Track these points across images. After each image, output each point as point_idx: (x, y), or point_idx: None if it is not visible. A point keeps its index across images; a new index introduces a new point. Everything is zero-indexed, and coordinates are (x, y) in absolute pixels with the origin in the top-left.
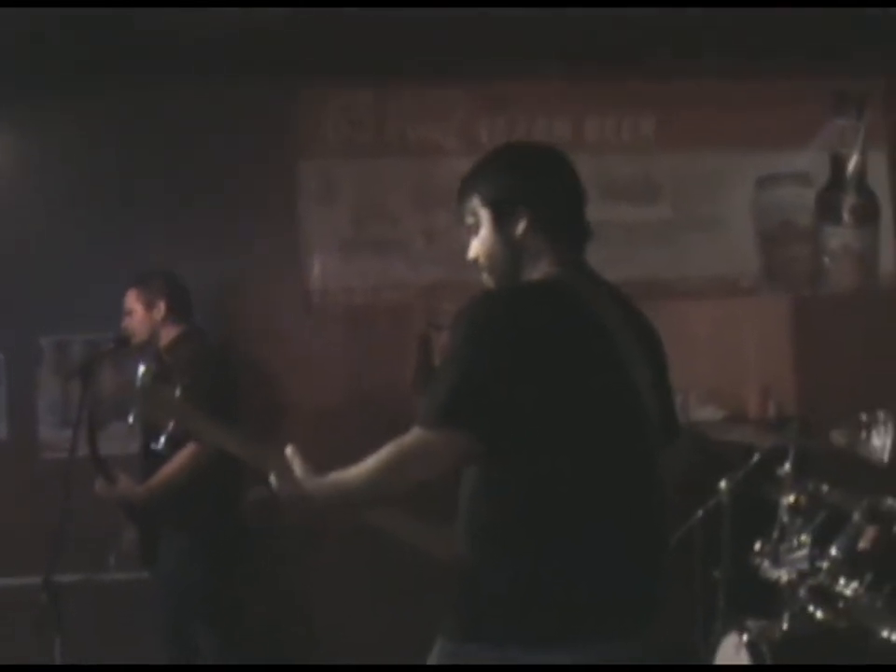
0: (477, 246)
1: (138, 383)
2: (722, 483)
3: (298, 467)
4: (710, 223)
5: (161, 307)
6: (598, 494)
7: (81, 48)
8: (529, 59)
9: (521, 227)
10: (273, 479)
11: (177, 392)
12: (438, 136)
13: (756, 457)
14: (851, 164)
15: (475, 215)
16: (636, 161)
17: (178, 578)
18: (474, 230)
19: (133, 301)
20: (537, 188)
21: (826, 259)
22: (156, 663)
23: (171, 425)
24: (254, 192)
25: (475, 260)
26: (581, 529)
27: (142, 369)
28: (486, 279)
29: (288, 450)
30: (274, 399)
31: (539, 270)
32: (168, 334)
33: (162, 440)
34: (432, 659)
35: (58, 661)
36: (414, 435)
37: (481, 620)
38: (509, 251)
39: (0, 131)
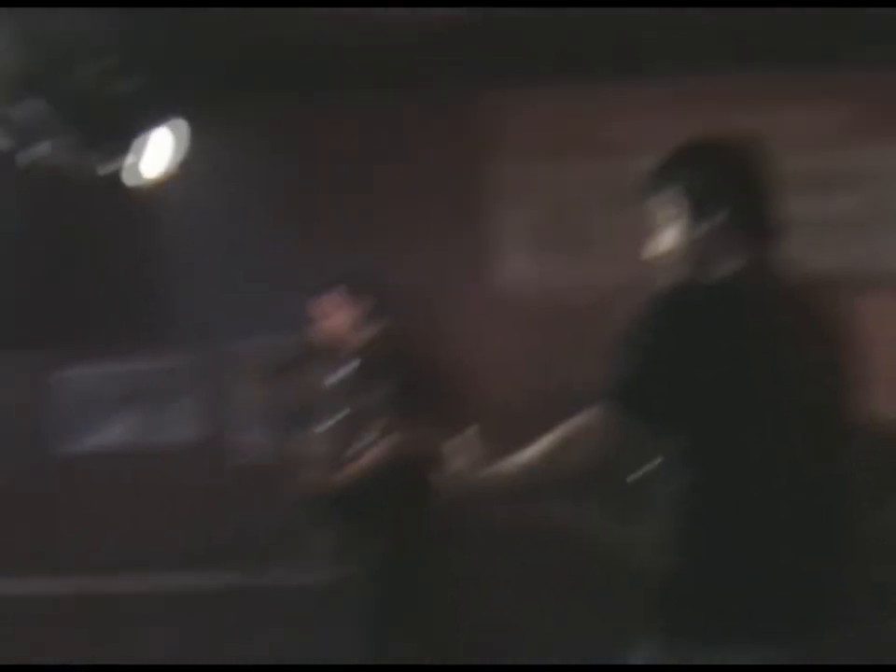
0: (666, 240)
1: (340, 387)
2: None
3: (476, 452)
4: None
5: (361, 307)
6: (790, 490)
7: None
8: (720, 54)
9: (716, 220)
10: (458, 467)
11: (379, 397)
12: (628, 135)
13: None
14: None
15: (666, 208)
16: (831, 154)
17: (374, 576)
18: (663, 223)
19: (332, 302)
20: (732, 181)
21: None
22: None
23: (374, 429)
24: (446, 192)
25: (662, 254)
26: (782, 524)
27: (344, 373)
28: (671, 273)
29: (471, 435)
30: (466, 397)
31: (727, 263)
32: (367, 333)
33: (366, 441)
34: (637, 658)
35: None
36: (593, 412)
37: (692, 617)
38: (701, 245)
39: (201, 135)
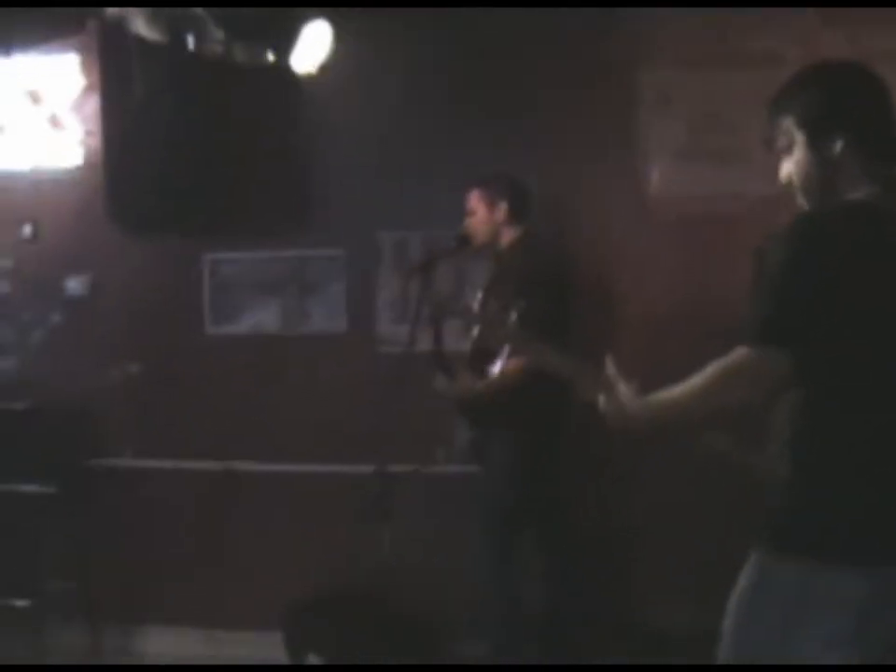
0: (790, 168)
1: (477, 304)
2: None
3: (622, 388)
4: None
5: (503, 208)
6: None
7: None
8: None
9: (837, 147)
10: (600, 401)
11: (514, 317)
12: (778, 47)
13: None
14: None
15: (788, 135)
16: None
17: (505, 475)
18: (786, 150)
19: (475, 202)
20: (852, 107)
21: None
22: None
23: (506, 350)
24: (594, 102)
25: (788, 182)
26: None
27: (483, 292)
28: (801, 200)
29: (610, 370)
30: (607, 307)
31: (853, 190)
32: (508, 235)
33: (499, 363)
34: (745, 572)
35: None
36: (739, 354)
37: (790, 533)
38: (824, 172)
39: (352, 40)
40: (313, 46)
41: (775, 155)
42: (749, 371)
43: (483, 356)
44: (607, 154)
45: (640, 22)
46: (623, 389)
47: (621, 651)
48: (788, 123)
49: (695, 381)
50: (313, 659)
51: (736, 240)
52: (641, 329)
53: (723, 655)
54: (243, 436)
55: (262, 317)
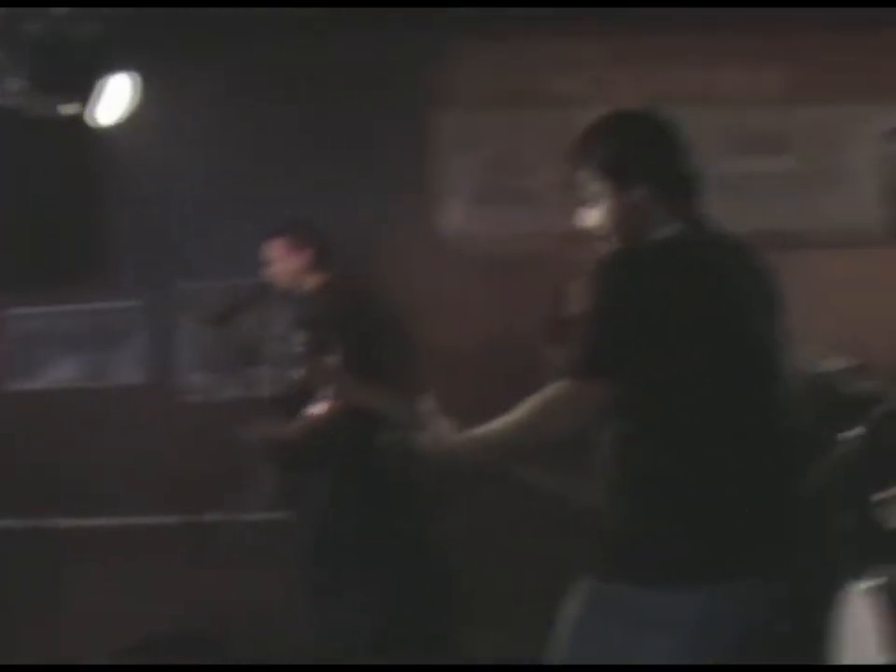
0: (597, 215)
1: (297, 348)
2: (849, 433)
3: (441, 424)
4: (837, 175)
5: (307, 255)
6: (732, 437)
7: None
8: (662, 12)
9: (640, 193)
10: (417, 437)
11: (335, 360)
12: (571, 88)
13: (883, 407)
14: None
15: (592, 185)
16: (765, 113)
17: (318, 518)
18: (591, 199)
19: (278, 249)
20: (650, 154)
21: None
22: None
23: (324, 393)
24: (391, 144)
25: (591, 230)
26: (721, 469)
27: (301, 336)
28: (606, 245)
29: (428, 407)
30: (411, 345)
31: (661, 230)
32: (313, 282)
33: (320, 405)
34: (575, 598)
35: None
36: (562, 385)
37: (620, 558)
38: (631, 216)
39: (144, 81)
40: (114, 97)
41: (579, 203)
42: (570, 402)
43: (296, 400)
44: (405, 196)
45: (436, 62)
46: (443, 425)
47: None
48: (591, 174)
49: (517, 414)
50: None
51: (534, 277)
52: (444, 365)
53: None
54: (46, 491)
55: (61, 372)
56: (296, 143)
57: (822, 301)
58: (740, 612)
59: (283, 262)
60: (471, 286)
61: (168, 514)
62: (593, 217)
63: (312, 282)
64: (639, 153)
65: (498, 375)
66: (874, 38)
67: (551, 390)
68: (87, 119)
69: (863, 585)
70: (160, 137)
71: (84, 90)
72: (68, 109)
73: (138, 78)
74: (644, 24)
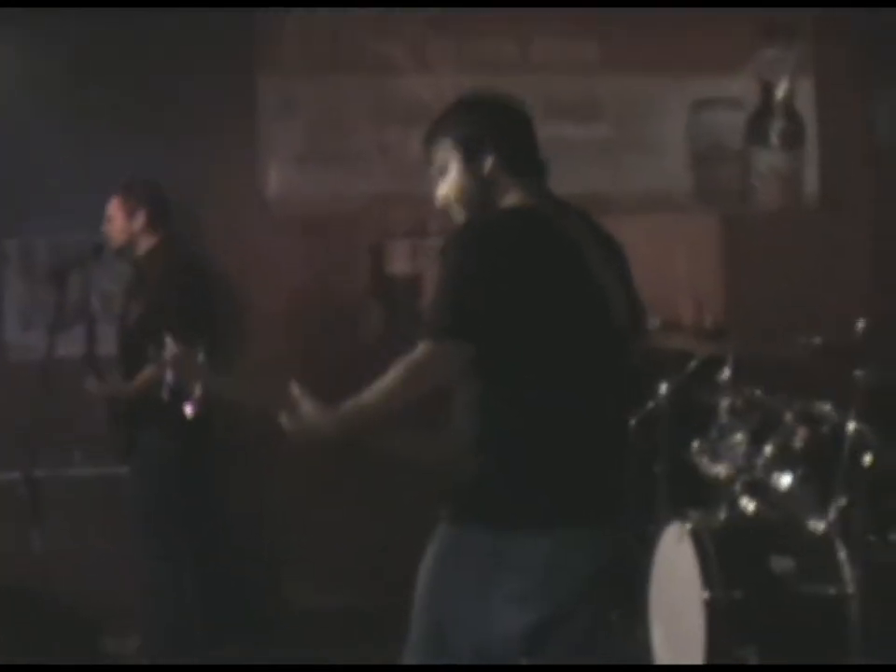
0: (448, 185)
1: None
2: (662, 387)
3: (307, 405)
4: (647, 143)
5: (142, 216)
6: (576, 394)
7: None
8: None
9: (488, 164)
10: (283, 419)
11: (201, 356)
12: (391, 55)
13: (694, 363)
14: (780, 91)
15: (445, 157)
16: (578, 82)
17: (154, 473)
18: (442, 170)
19: (114, 209)
20: (499, 129)
21: (754, 180)
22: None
23: (198, 388)
24: (217, 107)
25: (444, 198)
26: (565, 424)
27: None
28: (458, 214)
29: (295, 390)
30: (237, 305)
31: (507, 199)
32: (146, 243)
33: (190, 405)
34: (432, 542)
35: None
36: (423, 350)
37: (477, 505)
38: (479, 186)
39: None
40: None
41: (434, 175)
42: (432, 364)
43: (133, 355)
44: (230, 158)
45: (262, 27)
46: (309, 405)
47: (274, 633)
48: (445, 146)
49: (384, 382)
50: None
51: (354, 238)
52: (268, 324)
53: (417, 620)
54: None
55: None
56: (131, 105)
57: (633, 263)
58: (586, 555)
59: (118, 221)
60: (294, 246)
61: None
62: (444, 188)
63: (146, 242)
64: (490, 127)
65: (318, 332)
66: (686, 14)
67: (414, 354)
68: None
69: (676, 528)
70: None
71: None
72: None
73: None
74: None
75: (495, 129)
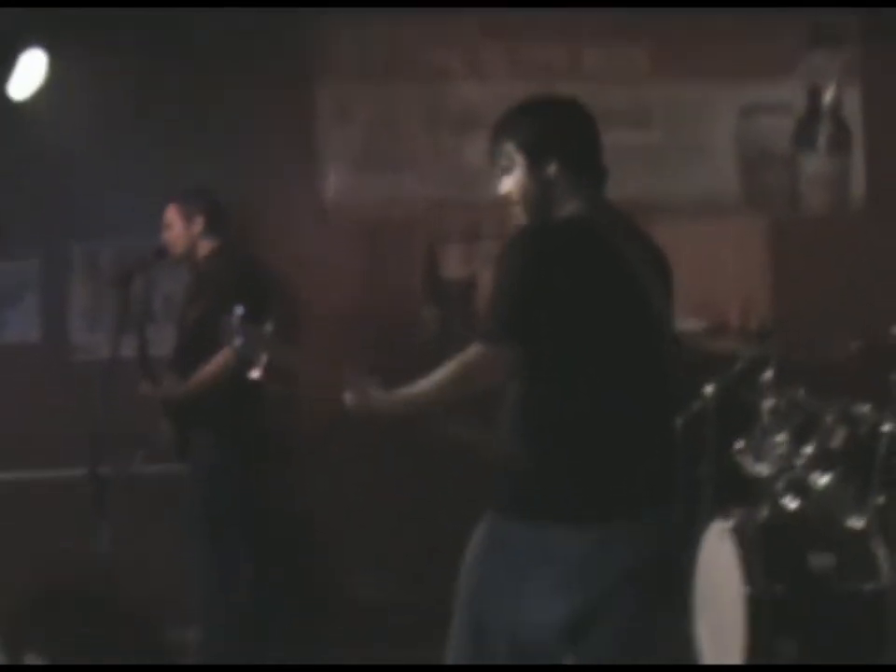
0: (510, 185)
1: (234, 322)
2: (708, 388)
3: (371, 386)
4: (697, 148)
5: (200, 222)
6: (619, 396)
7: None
8: None
9: (551, 169)
10: (347, 394)
11: (268, 329)
12: (446, 62)
13: (739, 365)
14: (827, 96)
15: (509, 158)
16: (629, 89)
17: (207, 472)
18: (506, 170)
19: (173, 215)
20: (564, 135)
21: (802, 185)
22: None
23: (264, 358)
24: (275, 114)
25: (506, 196)
26: (609, 423)
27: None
28: (518, 213)
29: (356, 376)
30: (294, 309)
31: (566, 207)
32: (205, 248)
33: (257, 371)
34: (478, 535)
35: (103, 548)
36: (477, 350)
37: (520, 497)
38: (540, 190)
39: (48, 51)
40: (28, 73)
41: (498, 173)
42: (485, 364)
43: (189, 357)
44: (289, 165)
45: (317, 35)
46: (370, 388)
47: (332, 625)
48: (509, 147)
49: (439, 375)
50: (32, 659)
51: (410, 242)
52: (326, 326)
53: (459, 609)
54: None
55: None
56: (189, 114)
57: (682, 266)
58: (627, 549)
59: (177, 228)
60: (351, 250)
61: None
62: (507, 186)
63: (205, 248)
64: (556, 132)
65: (374, 334)
66: (734, 20)
67: (468, 353)
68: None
69: (719, 526)
70: (57, 100)
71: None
72: None
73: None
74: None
75: (560, 134)
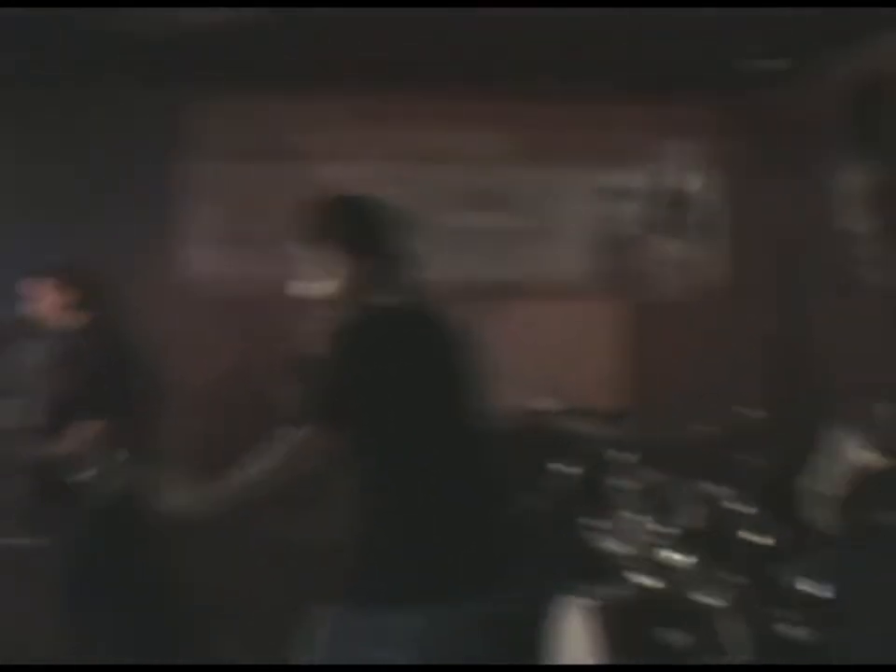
0: (329, 284)
1: (43, 370)
2: (566, 468)
3: (188, 485)
4: (550, 231)
5: (74, 296)
6: (443, 476)
7: None
8: (400, 74)
9: (370, 263)
10: (165, 498)
11: (77, 385)
12: (310, 144)
13: (597, 445)
14: (682, 183)
15: (326, 257)
16: (487, 173)
17: (71, 544)
18: (324, 270)
19: (46, 288)
20: (380, 230)
21: (655, 268)
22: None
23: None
24: (141, 191)
25: (326, 296)
26: (435, 503)
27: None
28: (338, 306)
29: (170, 474)
30: (155, 381)
31: (384, 295)
32: (73, 322)
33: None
34: (323, 628)
35: None
36: (298, 433)
37: (353, 585)
38: (357, 284)
39: None
40: None
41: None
42: (309, 447)
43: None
44: (151, 241)
45: (183, 114)
46: (185, 484)
47: None
48: (330, 245)
49: (261, 461)
50: None
51: (271, 318)
52: (192, 407)
53: None
54: None
55: None
56: (53, 186)
57: (537, 347)
58: (460, 629)
59: (49, 300)
60: (213, 325)
61: None
62: (329, 285)
63: (77, 320)
64: (371, 229)
65: (233, 409)
66: (590, 109)
67: (290, 436)
68: None
69: (576, 603)
70: None
71: None
72: None
73: None
74: (388, 84)
75: (375, 230)
